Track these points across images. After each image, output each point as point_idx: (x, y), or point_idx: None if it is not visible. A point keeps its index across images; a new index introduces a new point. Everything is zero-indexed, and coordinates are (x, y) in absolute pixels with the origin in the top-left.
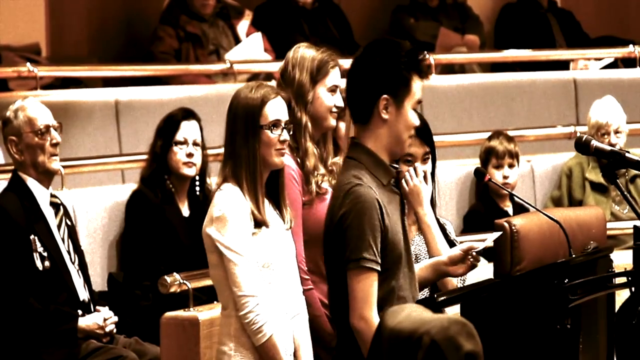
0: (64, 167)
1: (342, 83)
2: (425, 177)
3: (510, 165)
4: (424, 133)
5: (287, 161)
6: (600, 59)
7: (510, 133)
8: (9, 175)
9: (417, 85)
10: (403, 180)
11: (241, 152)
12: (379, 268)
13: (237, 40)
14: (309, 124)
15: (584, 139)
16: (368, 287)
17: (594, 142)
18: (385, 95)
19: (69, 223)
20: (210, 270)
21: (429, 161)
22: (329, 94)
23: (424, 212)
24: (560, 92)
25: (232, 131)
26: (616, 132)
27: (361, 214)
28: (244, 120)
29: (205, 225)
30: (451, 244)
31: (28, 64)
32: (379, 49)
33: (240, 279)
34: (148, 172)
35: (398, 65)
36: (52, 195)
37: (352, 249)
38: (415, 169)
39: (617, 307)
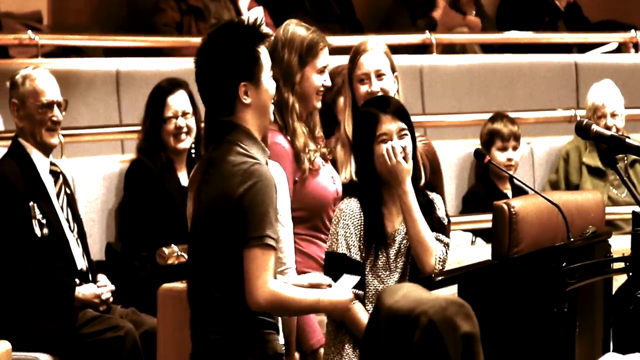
0: (64, 135)
1: (331, 62)
2: (405, 156)
3: (514, 148)
4: (394, 109)
5: (279, 139)
6: (602, 44)
7: (510, 115)
8: (8, 142)
9: (265, 55)
10: (383, 158)
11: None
12: (276, 246)
13: (239, 14)
14: (296, 104)
15: (584, 123)
16: (270, 264)
17: (595, 127)
18: (243, 83)
19: (68, 192)
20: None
21: (408, 137)
22: (318, 75)
23: (404, 191)
24: (561, 75)
25: None
26: (612, 115)
27: (264, 193)
28: None
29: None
30: (438, 221)
31: (29, 31)
32: (221, 39)
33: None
34: (144, 146)
35: (245, 47)
36: (52, 164)
37: (256, 226)
38: (393, 148)
39: (614, 292)
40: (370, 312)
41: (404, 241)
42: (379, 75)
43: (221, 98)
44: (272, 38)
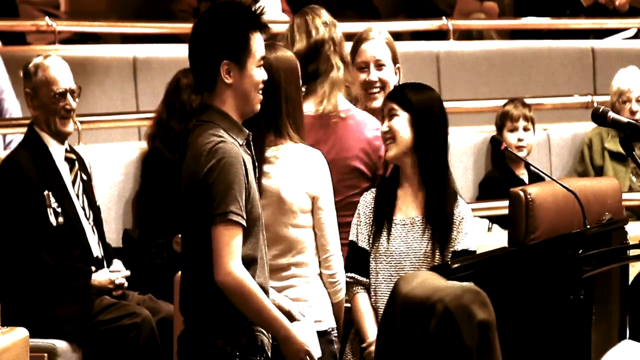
0: (80, 122)
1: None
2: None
3: (525, 129)
4: (395, 93)
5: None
6: (620, 30)
7: (527, 101)
8: (25, 130)
9: (258, 42)
10: None
11: (297, 114)
12: (244, 223)
13: (255, 1)
14: None
15: (601, 110)
16: (235, 241)
17: (611, 114)
18: (225, 61)
19: (84, 178)
20: (290, 231)
21: (396, 118)
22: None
23: None
24: (578, 61)
25: (288, 92)
26: (638, 100)
27: (227, 170)
28: (297, 81)
29: (300, 185)
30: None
31: (47, 18)
32: (215, 14)
33: (334, 240)
34: (159, 132)
35: (235, 28)
36: (67, 151)
37: (219, 203)
38: None
39: (630, 279)
40: (372, 301)
41: (410, 229)
42: (379, 65)
43: (204, 73)
44: (290, 26)
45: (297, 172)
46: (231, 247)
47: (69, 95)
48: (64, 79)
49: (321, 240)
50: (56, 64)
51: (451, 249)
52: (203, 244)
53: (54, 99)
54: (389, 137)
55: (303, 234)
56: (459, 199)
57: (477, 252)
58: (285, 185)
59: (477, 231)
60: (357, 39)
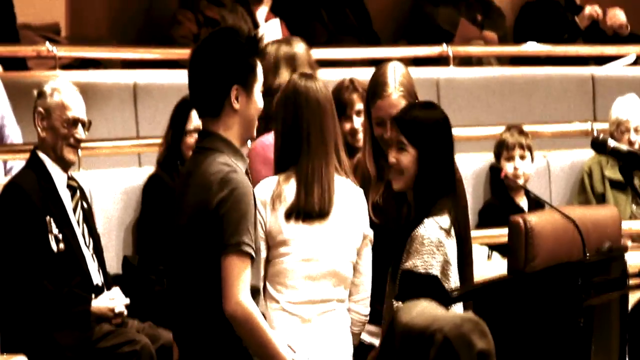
0: (81, 148)
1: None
2: None
3: (521, 157)
4: (398, 117)
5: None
6: (619, 57)
7: (527, 128)
8: (26, 156)
9: (260, 68)
10: None
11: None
12: (254, 254)
13: (256, 26)
14: None
15: (600, 138)
16: (245, 273)
17: (611, 142)
18: (236, 86)
19: (85, 206)
20: (345, 267)
21: (404, 154)
22: None
23: None
24: (578, 88)
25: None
26: (636, 130)
27: (240, 200)
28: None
29: (360, 224)
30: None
31: (47, 43)
32: (219, 40)
33: (370, 280)
34: (162, 158)
35: (243, 53)
36: (70, 178)
37: (232, 233)
38: None
39: (630, 308)
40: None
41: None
42: None
43: (211, 98)
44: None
45: (357, 211)
46: (242, 279)
47: (80, 125)
48: (77, 108)
49: (362, 278)
50: (73, 92)
51: (400, 270)
52: (209, 274)
53: (65, 123)
54: (397, 169)
55: (351, 271)
56: (427, 220)
57: (477, 281)
58: (350, 222)
59: (477, 259)
60: (373, 91)
